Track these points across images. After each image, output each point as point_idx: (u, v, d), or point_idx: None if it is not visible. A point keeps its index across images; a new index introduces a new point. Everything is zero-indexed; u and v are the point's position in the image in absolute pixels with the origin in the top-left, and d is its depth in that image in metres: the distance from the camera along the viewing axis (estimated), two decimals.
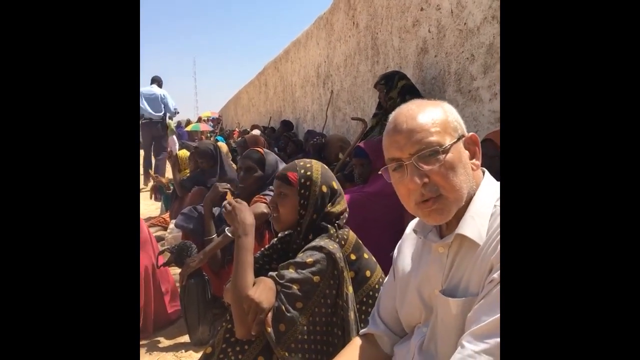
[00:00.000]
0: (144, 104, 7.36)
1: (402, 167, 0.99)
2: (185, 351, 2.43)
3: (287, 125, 7.67)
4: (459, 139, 1.00)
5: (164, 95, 7.53)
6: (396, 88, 3.31)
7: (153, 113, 7.47)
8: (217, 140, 8.29)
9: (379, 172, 1.07)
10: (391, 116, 1.05)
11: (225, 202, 1.54)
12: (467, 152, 1.02)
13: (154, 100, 7.46)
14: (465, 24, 3.07)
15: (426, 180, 0.97)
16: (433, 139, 0.97)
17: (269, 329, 1.33)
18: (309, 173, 1.57)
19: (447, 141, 0.98)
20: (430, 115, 1.00)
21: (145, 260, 2.61)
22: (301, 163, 1.60)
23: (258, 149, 2.80)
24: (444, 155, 0.96)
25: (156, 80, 7.80)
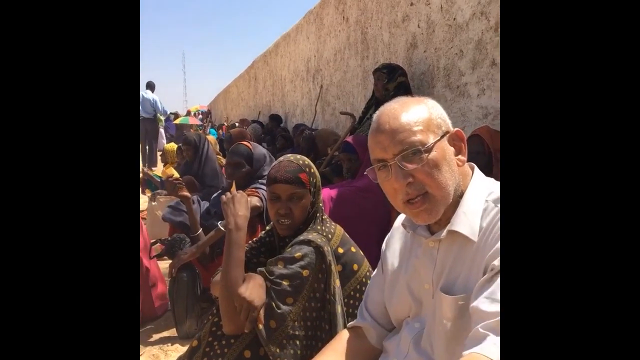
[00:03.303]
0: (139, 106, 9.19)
1: (386, 167, 0.99)
2: (172, 345, 2.43)
3: (275, 119, 7.63)
4: (442, 136, 1.00)
5: (154, 100, 9.38)
6: (395, 82, 3.33)
7: (145, 114, 9.30)
8: (209, 134, 8.36)
9: (365, 173, 1.07)
10: (375, 116, 1.05)
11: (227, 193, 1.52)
12: (452, 148, 1.02)
13: (145, 103, 9.31)
14: (454, 19, 3.08)
15: (410, 180, 0.97)
16: (416, 138, 0.96)
17: (261, 326, 1.33)
18: (312, 170, 1.56)
19: (431, 139, 0.97)
20: (413, 114, 0.99)
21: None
22: (300, 162, 1.55)
23: (245, 143, 2.76)
24: (427, 154, 0.96)
25: (150, 86, 9.58)
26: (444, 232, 1.01)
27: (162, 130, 11.23)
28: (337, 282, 1.44)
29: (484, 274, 0.93)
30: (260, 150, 2.72)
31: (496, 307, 0.85)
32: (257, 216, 2.40)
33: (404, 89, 3.29)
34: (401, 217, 1.20)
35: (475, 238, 0.97)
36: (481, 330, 0.86)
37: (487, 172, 2.27)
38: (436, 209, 0.99)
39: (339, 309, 1.41)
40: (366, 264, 1.56)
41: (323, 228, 1.52)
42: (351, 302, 1.49)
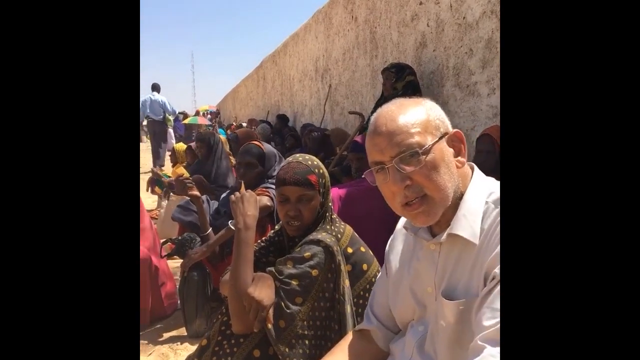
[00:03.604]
0: (147, 109, 9.48)
1: (384, 170, 0.98)
2: (181, 344, 2.43)
3: (283, 119, 7.63)
4: (441, 138, 0.98)
5: (162, 101, 9.67)
6: (403, 81, 3.32)
7: (154, 116, 9.61)
8: (219, 133, 8.44)
9: (363, 176, 1.06)
10: (372, 118, 1.03)
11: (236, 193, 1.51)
12: (451, 149, 1.00)
13: (155, 105, 9.63)
14: (464, 18, 3.06)
15: (408, 182, 0.95)
16: (413, 140, 0.95)
17: (270, 325, 1.33)
18: (321, 171, 1.55)
19: (429, 141, 0.96)
20: (411, 116, 0.98)
21: (144, 251, 2.59)
22: (309, 162, 1.53)
23: (256, 142, 2.75)
24: (424, 156, 0.94)
25: (156, 88, 9.81)
26: (444, 235, 1.00)
27: (171, 130, 11.33)
28: (347, 282, 1.44)
29: (485, 279, 0.92)
30: (271, 149, 2.71)
31: (495, 318, 0.85)
32: (267, 216, 2.40)
33: (413, 88, 3.28)
34: (403, 219, 1.19)
35: (476, 241, 0.96)
36: (479, 342, 0.86)
37: (497, 170, 2.26)
38: (434, 211, 0.97)
39: (348, 308, 1.41)
40: (376, 263, 1.55)
41: (332, 228, 1.51)
42: (361, 301, 1.48)
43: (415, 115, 0.98)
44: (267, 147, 2.70)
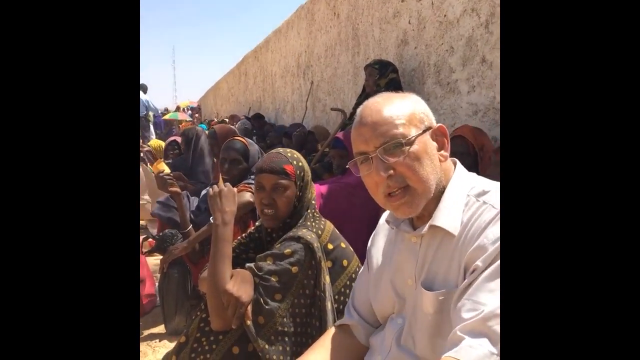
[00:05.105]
0: None
1: (368, 160, 0.99)
2: (160, 341, 2.42)
3: (259, 118, 7.55)
4: (425, 131, 1.00)
5: (146, 100, 9.94)
6: (386, 78, 3.33)
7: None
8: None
9: (347, 166, 1.07)
10: (358, 110, 1.05)
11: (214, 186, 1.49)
12: (434, 143, 1.02)
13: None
14: (445, 15, 3.08)
15: (391, 172, 0.96)
16: (397, 131, 0.96)
17: (249, 322, 1.32)
18: (301, 164, 1.55)
19: (413, 133, 0.97)
20: (396, 108, 0.99)
21: None
22: (289, 154, 1.55)
23: (240, 138, 2.72)
24: (408, 147, 0.96)
25: (142, 87, 10.07)
26: (426, 227, 1.01)
27: (151, 127, 11.19)
28: (327, 279, 1.44)
29: (465, 270, 0.93)
30: (254, 146, 2.69)
31: (475, 310, 0.86)
32: (250, 212, 2.39)
33: (395, 86, 3.29)
34: (385, 214, 1.19)
35: (456, 232, 0.97)
36: (459, 333, 0.86)
37: (474, 171, 2.26)
38: (416, 202, 0.98)
39: (329, 305, 1.41)
40: (356, 259, 1.55)
41: (313, 224, 1.51)
42: (341, 298, 1.48)
43: (401, 108, 0.99)
44: (251, 144, 2.69)
